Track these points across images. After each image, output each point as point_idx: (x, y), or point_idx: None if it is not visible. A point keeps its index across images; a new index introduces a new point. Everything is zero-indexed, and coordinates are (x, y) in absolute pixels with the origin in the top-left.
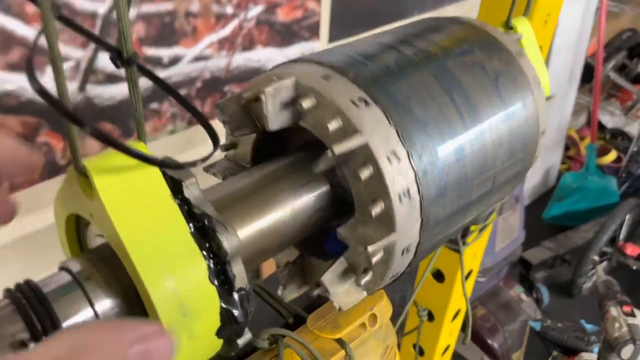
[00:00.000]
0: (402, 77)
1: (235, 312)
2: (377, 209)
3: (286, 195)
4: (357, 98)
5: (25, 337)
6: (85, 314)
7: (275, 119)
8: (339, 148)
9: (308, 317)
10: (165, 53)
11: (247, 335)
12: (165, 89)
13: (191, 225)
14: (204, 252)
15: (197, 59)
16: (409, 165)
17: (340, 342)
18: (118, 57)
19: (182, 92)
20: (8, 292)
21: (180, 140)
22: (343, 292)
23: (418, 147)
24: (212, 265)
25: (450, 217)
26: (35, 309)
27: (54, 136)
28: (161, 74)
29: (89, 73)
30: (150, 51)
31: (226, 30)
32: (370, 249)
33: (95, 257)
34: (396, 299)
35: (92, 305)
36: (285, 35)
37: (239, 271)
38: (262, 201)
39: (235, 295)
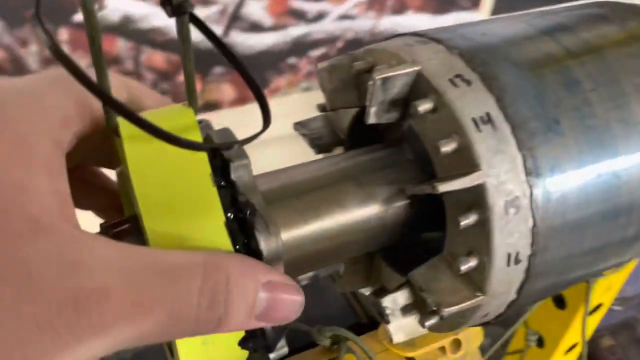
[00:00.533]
0: (551, 83)
1: (268, 328)
2: (466, 265)
3: (360, 202)
4: (485, 114)
5: None
6: None
7: (378, 113)
8: (445, 187)
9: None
10: (311, 7)
11: (282, 350)
12: (218, 46)
13: (231, 214)
14: (239, 248)
15: (343, 17)
16: (529, 214)
17: None
18: (167, 3)
19: (321, 50)
20: None
21: (315, 97)
22: (400, 326)
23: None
24: None
25: (569, 267)
26: None
27: (196, 77)
28: (303, 29)
29: (234, 19)
30: (297, 4)
31: None
32: (444, 311)
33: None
34: None
35: None
36: (442, 1)
37: None
38: (328, 201)
39: None
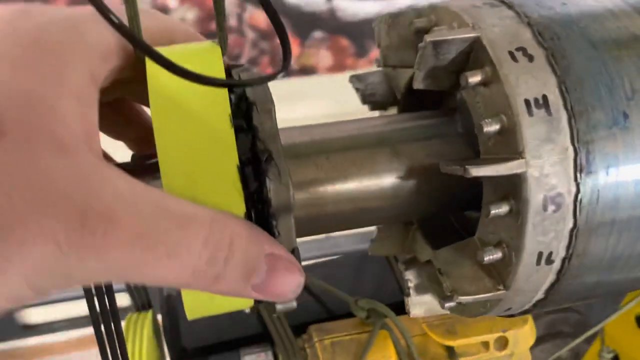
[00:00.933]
0: (630, 70)
1: None
2: (491, 256)
3: (392, 170)
4: (542, 97)
5: None
6: None
7: (427, 78)
8: (477, 171)
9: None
10: None
11: (290, 303)
12: None
13: (247, 159)
14: (255, 196)
15: None
16: (570, 215)
17: (450, 351)
18: None
19: None
20: None
21: None
22: (421, 301)
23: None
24: (255, 213)
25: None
26: None
27: (292, 38)
28: None
29: None
30: None
31: None
32: (459, 299)
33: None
34: (571, 318)
35: None
36: None
37: (286, 230)
38: (358, 165)
39: None
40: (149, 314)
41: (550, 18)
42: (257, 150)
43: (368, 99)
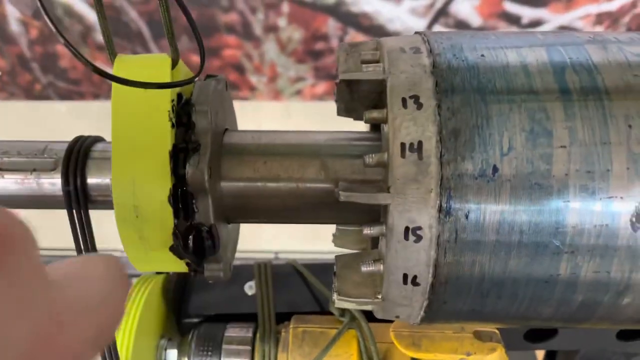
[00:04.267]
0: (515, 126)
1: (181, 240)
2: (369, 268)
3: (318, 182)
4: (417, 142)
5: None
6: None
7: (347, 109)
8: (346, 196)
9: None
10: (527, 13)
11: (215, 272)
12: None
13: (185, 146)
14: (181, 178)
15: (562, 28)
16: (432, 247)
17: None
18: None
19: None
20: None
21: None
22: (349, 278)
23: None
24: (182, 192)
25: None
26: None
27: None
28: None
29: (441, 14)
30: (512, 7)
31: (613, 5)
32: (341, 298)
33: None
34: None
35: None
36: None
37: (202, 207)
38: (287, 168)
39: (189, 226)
40: (162, 276)
41: (456, 69)
42: (189, 141)
43: (341, 113)
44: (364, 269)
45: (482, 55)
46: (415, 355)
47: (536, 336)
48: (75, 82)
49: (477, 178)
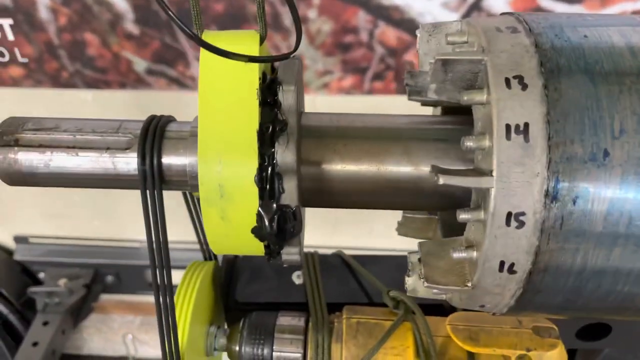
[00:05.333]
0: (625, 108)
1: (266, 221)
2: (459, 254)
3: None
4: (523, 124)
5: None
6: None
7: (438, 90)
8: (446, 179)
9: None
10: (562, 9)
11: (293, 256)
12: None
13: (268, 126)
14: (267, 157)
15: None
16: (534, 234)
17: (470, 357)
18: None
19: None
20: None
21: None
22: (418, 282)
23: None
24: (267, 171)
25: (581, 295)
26: None
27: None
28: None
29: (474, 8)
30: (546, 3)
31: None
32: (430, 285)
33: None
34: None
35: None
36: None
37: (289, 189)
38: (370, 154)
39: (275, 207)
40: (212, 263)
41: (560, 50)
42: (277, 121)
43: (413, 96)
44: (455, 255)
45: (585, 36)
46: (472, 350)
47: (589, 334)
48: (102, 70)
49: (586, 162)
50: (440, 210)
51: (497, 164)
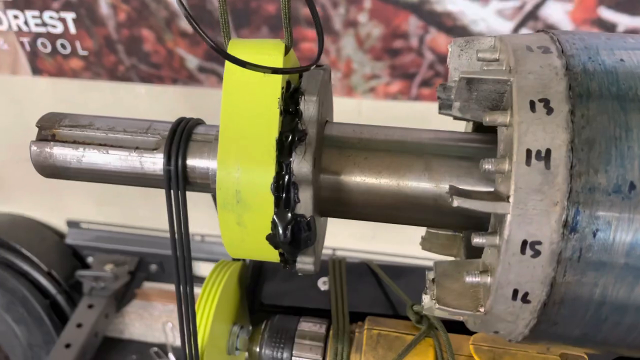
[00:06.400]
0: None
1: (280, 230)
2: (473, 279)
3: (419, 181)
4: (545, 150)
5: None
6: None
7: (462, 108)
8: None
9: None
10: (624, 21)
11: (307, 266)
12: None
13: (290, 135)
14: (285, 166)
15: None
16: (550, 264)
17: None
18: None
19: None
20: None
21: None
22: (449, 287)
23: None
24: (284, 180)
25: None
26: None
27: None
28: None
29: (530, 17)
30: (608, 14)
31: None
32: (441, 307)
33: None
34: None
35: None
36: None
37: (304, 198)
38: (390, 168)
39: (289, 217)
40: (239, 264)
41: (592, 73)
42: (297, 130)
43: (444, 110)
44: (468, 279)
45: (622, 60)
46: None
47: None
48: (156, 66)
49: (610, 194)
50: (461, 229)
51: (515, 189)
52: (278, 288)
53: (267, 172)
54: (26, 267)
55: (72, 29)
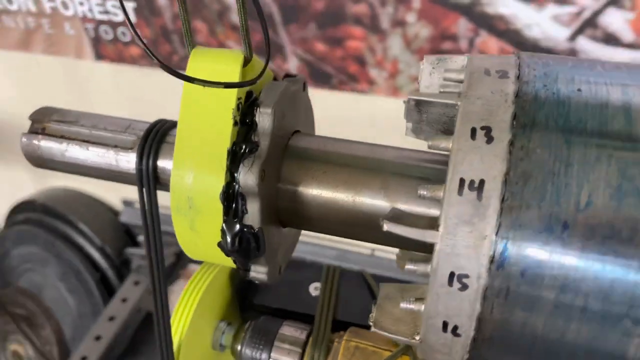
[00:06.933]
0: (599, 179)
1: (228, 239)
2: (407, 305)
3: (375, 198)
4: (479, 181)
5: None
6: None
7: (415, 129)
8: (390, 227)
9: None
10: None
11: (260, 275)
12: None
13: (244, 146)
14: (236, 175)
15: None
16: (478, 299)
17: None
18: None
19: None
20: None
21: None
22: (389, 310)
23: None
24: (234, 190)
25: None
26: None
27: None
28: None
29: (588, 24)
30: None
31: None
32: (376, 329)
33: None
34: None
35: None
36: None
37: (252, 209)
38: (347, 183)
39: (237, 227)
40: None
41: (543, 102)
42: (249, 141)
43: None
44: (402, 305)
45: (579, 90)
46: None
47: None
48: None
49: (541, 232)
50: (416, 251)
51: (444, 219)
52: (270, 289)
53: (218, 181)
54: (81, 240)
55: (133, 18)
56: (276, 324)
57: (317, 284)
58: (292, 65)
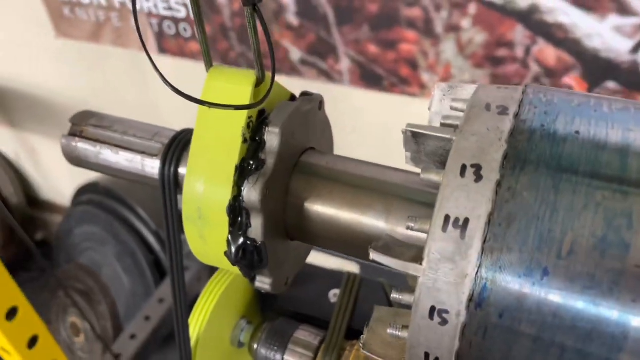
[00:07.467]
0: (584, 229)
1: (232, 250)
2: (394, 331)
3: (378, 219)
4: (464, 219)
5: None
6: None
7: (414, 158)
8: (375, 256)
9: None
10: None
11: (264, 285)
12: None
13: (250, 163)
14: (242, 190)
15: None
16: (457, 335)
17: None
18: None
19: None
20: None
21: None
22: (379, 334)
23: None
24: (240, 204)
25: None
26: None
27: (580, 82)
28: None
29: None
30: None
31: None
32: (365, 353)
33: None
34: None
35: None
36: None
37: (255, 224)
38: (351, 203)
39: (241, 240)
40: None
41: (537, 143)
42: (257, 158)
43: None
44: (389, 331)
45: (577, 132)
46: None
47: None
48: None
49: (520, 277)
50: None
51: (428, 253)
52: (291, 292)
53: (225, 194)
54: (138, 224)
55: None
56: (292, 327)
57: (336, 291)
58: (344, 66)
